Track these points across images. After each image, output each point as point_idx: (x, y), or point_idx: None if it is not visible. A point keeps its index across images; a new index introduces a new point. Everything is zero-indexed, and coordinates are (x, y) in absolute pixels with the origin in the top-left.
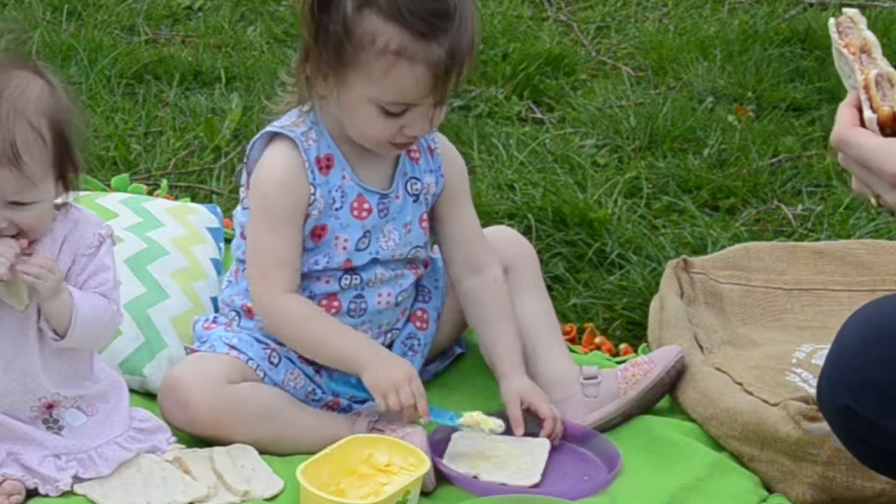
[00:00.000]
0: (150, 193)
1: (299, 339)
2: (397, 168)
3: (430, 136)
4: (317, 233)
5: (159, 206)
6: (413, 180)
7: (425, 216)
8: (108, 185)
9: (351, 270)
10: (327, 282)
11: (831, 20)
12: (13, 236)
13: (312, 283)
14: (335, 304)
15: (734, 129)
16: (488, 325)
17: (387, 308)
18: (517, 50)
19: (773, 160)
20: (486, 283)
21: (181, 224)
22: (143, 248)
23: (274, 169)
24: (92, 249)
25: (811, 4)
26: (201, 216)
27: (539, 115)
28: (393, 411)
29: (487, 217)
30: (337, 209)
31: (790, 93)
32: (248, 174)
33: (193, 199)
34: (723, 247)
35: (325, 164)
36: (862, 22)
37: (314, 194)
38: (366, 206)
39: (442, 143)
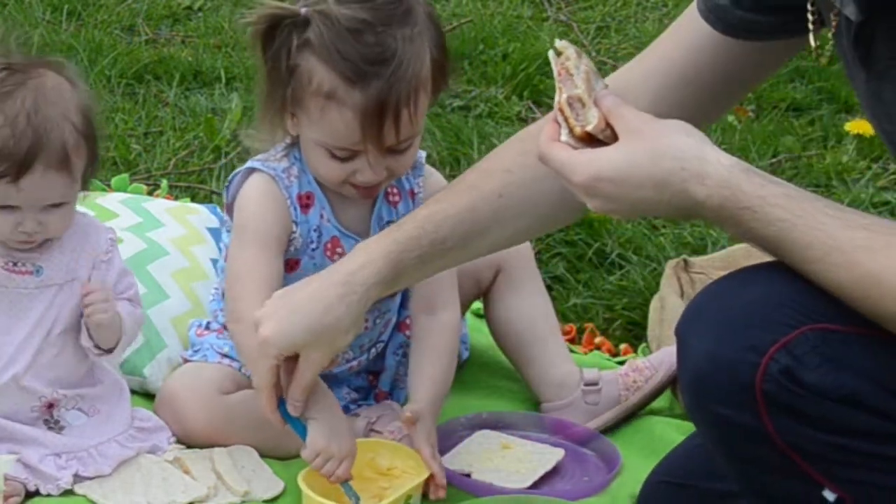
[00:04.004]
0: (150, 193)
1: None
2: (374, 213)
3: (414, 178)
4: (290, 265)
5: (159, 206)
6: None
7: None
8: (108, 185)
9: None
10: None
11: (551, 52)
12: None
13: None
14: None
15: (734, 129)
16: (420, 358)
17: (364, 332)
18: (517, 50)
19: (773, 160)
20: (435, 323)
21: (181, 224)
22: (143, 248)
23: (256, 202)
24: (108, 255)
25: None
26: (201, 216)
27: (539, 115)
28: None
29: None
30: (313, 249)
31: (790, 93)
32: (230, 206)
33: (193, 199)
34: (723, 247)
35: (305, 203)
36: (569, 49)
37: (295, 232)
38: (339, 249)
39: (431, 184)
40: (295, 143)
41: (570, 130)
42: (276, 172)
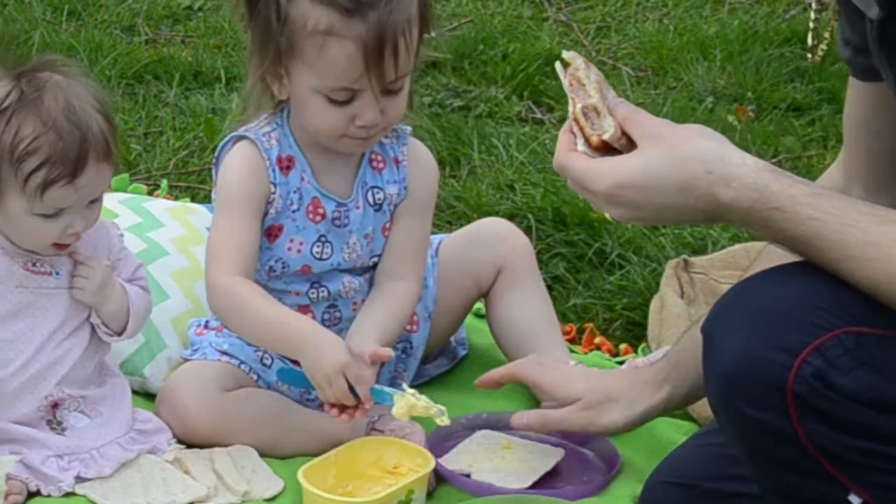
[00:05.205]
0: (150, 193)
1: (242, 322)
2: (357, 177)
3: (398, 146)
4: (273, 232)
5: (159, 206)
6: (375, 189)
7: (389, 224)
8: (108, 186)
9: (316, 283)
10: (297, 295)
11: (557, 63)
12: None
13: (283, 297)
14: (308, 315)
15: (734, 130)
16: (372, 307)
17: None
18: (517, 50)
19: (773, 160)
20: (394, 287)
21: (181, 224)
22: (144, 248)
23: (235, 168)
24: (123, 252)
25: (811, 4)
26: (201, 216)
27: (539, 115)
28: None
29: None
30: (294, 211)
31: (790, 93)
32: (216, 178)
33: (193, 200)
34: (723, 247)
35: (286, 165)
36: (577, 60)
37: (274, 192)
38: (320, 210)
39: (415, 153)
40: (278, 112)
41: (587, 140)
42: (256, 136)
